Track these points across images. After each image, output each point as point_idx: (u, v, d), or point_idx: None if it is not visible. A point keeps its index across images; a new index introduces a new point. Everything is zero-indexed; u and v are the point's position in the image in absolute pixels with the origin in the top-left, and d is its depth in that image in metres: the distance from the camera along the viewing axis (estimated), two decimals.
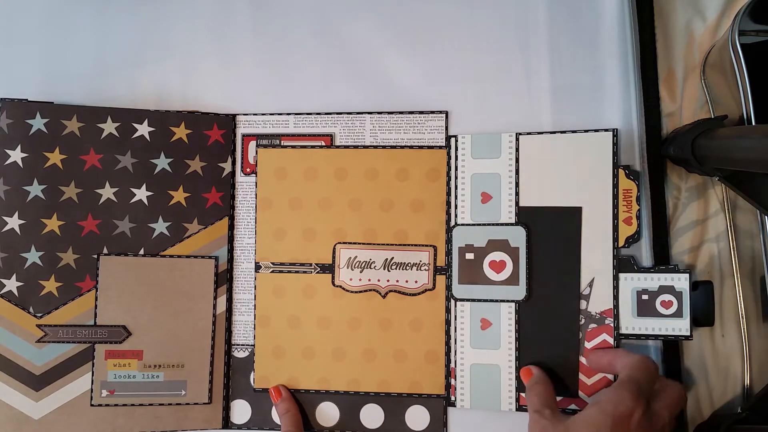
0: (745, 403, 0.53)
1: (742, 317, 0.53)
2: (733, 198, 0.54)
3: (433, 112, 0.57)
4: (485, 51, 0.57)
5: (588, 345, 0.53)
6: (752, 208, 0.53)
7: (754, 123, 0.48)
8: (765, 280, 0.52)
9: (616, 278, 0.52)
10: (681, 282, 0.51)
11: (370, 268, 0.56)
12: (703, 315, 0.52)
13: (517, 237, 0.54)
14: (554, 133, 0.54)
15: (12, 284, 0.55)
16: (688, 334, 0.51)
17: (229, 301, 0.58)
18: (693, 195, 0.55)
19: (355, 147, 0.57)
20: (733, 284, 0.54)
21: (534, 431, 0.47)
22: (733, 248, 0.54)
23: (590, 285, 0.53)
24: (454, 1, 0.57)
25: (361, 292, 0.56)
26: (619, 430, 0.43)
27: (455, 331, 0.55)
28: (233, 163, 0.58)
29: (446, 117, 0.57)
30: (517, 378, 0.54)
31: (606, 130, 0.53)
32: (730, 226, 0.54)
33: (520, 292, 0.54)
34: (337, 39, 0.58)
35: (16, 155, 0.56)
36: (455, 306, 0.55)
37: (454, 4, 0.57)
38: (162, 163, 0.57)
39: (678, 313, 0.51)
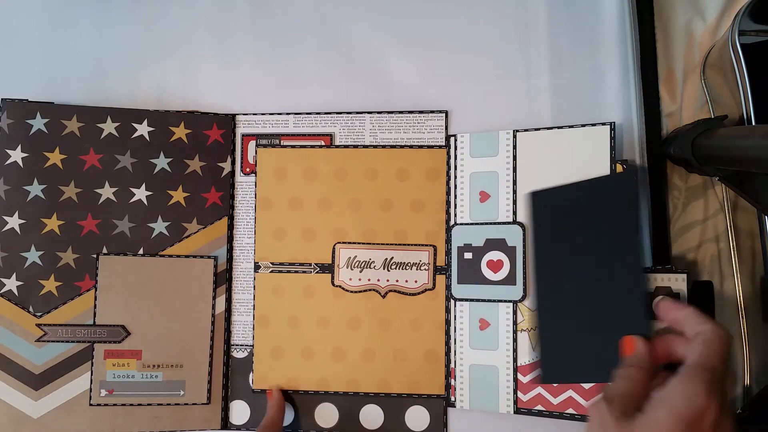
0: (745, 403, 0.52)
1: (742, 317, 0.53)
2: (733, 198, 0.54)
3: (432, 112, 0.57)
4: (485, 50, 0.57)
5: None
6: (752, 208, 0.53)
7: (754, 123, 0.48)
8: (765, 280, 0.52)
9: None
10: (679, 283, 0.51)
11: (370, 267, 0.56)
12: None
13: (514, 236, 0.54)
14: (551, 128, 0.54)
15: (12, 283, 0.56)
16: None
17: (228, 301, 0.57)
18: (693, 195, 0.55)
19: (355, 147, 0.57)
20: (733, 284, 0.54)
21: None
22: (733, 248, 0.54)
23: None
24: (454, 0, 0.57)
25: (360, 291, 0.56)
26: None
27: (455, 331, 0.55)
28: (233, 162, 0.58)
29: (446, 116, 0.57)
30: (515, 379, 0.53)
31: (603, 124, 0.53)
32: (730, 226, 0.54)
33: (517, 292, 0.54)
34: (337, 39, 0.58)
35: (16, 155, 0.56)
36: (455, 306, 0.55)
37: (454, 4, 0.57)
38: (161, 162, 0.57)
39: None
